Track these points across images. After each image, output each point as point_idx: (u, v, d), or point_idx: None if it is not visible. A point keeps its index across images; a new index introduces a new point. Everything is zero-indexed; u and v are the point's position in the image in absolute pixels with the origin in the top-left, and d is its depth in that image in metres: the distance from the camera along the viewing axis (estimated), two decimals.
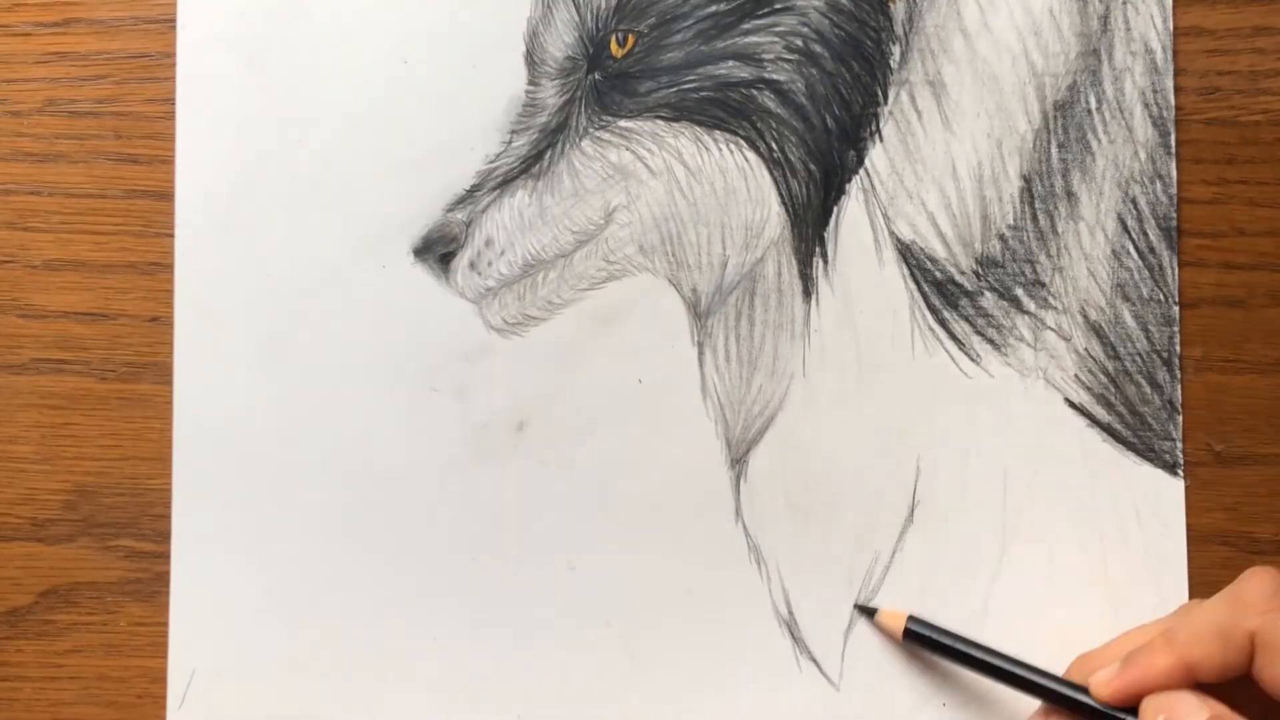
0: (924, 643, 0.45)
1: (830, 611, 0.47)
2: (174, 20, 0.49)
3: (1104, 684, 0.42)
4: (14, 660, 0.49)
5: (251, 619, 0.48)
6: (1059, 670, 0.44)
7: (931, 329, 0.48)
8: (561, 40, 0.48)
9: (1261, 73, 0.48)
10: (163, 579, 0.48)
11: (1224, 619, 0.40)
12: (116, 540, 0.49)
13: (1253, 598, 0.40)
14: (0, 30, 0.49)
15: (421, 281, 0.48)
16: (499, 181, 0.48)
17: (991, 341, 0.48)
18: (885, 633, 0.46)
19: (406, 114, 0.48)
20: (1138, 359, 0.48)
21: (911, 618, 0.45)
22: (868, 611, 0.47)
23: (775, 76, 0.48)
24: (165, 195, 0.49)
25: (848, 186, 0.48)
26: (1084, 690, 0.42)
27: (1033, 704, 0.44)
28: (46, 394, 0.49)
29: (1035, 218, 0.48)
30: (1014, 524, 0.47)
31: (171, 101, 0.49)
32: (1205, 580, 0.47)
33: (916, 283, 0.48)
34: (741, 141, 0.48)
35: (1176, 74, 0.48)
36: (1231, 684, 0.40)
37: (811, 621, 0.47)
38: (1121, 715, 0.41)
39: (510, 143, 0.48)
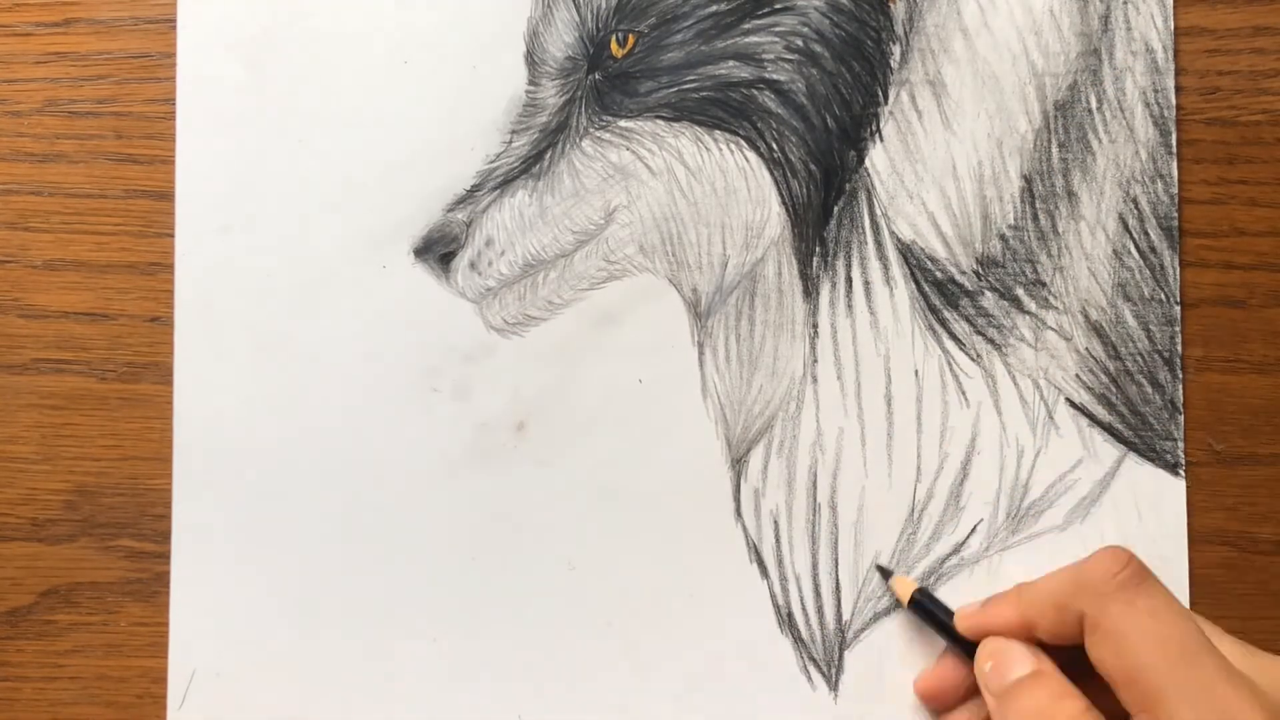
0: (925, 615, 0.46)
1: (830, 611, 0.47)
2: (174, 20, 0.49)
3: (963, 615, 0.45)
4: (14, 660, 0.49)
5: (251, 619, 0.48)
6: None
7: (932, 329, 0.48)
8: (562, 40, 0.48)
9: (1261, 73, 0.48)
10: (163, 579, 0.48)
11: (1062, 593, 0.42)
12: (116, 540, 0.49)
13: (1094, 577, 0.41)
14: (0, 30, 0.49)
15: (421, 281, 0.48)
16: (499, 181, 0.48)
17: (992, 341, 0.48)
18: (896, 596, 0.47)
19: (406, 114, 0.48)
20: (1139, 359, 0.47)
21: (921, 589, 0.46)
22: (885, 573, 0.47)
23: (775, 76, 0.48)
24: (165, 195, 0.49)
25: (848, 186, 0.48)
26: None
27: None
28: (47, 394, 0.49)
29: (1036, 217, 0.48)
30: (1014, 524, 0.47)
31: (171, 101, 0.49)
32: (1205, 580, 0.47)
33: (917, 282, 0.48)
34: (742, 141, 0.48)
35: (1177, 74, 0.48)
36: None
37: (811, 622, 0.47)
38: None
39: (510, 143, 0.48)
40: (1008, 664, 0.42)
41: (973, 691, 0.44)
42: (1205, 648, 0.39)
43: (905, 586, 0.46)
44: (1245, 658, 0.40)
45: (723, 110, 0.48)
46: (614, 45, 0.48)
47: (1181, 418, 0.47)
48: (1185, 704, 0.37)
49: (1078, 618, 0.41)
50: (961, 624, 0.44)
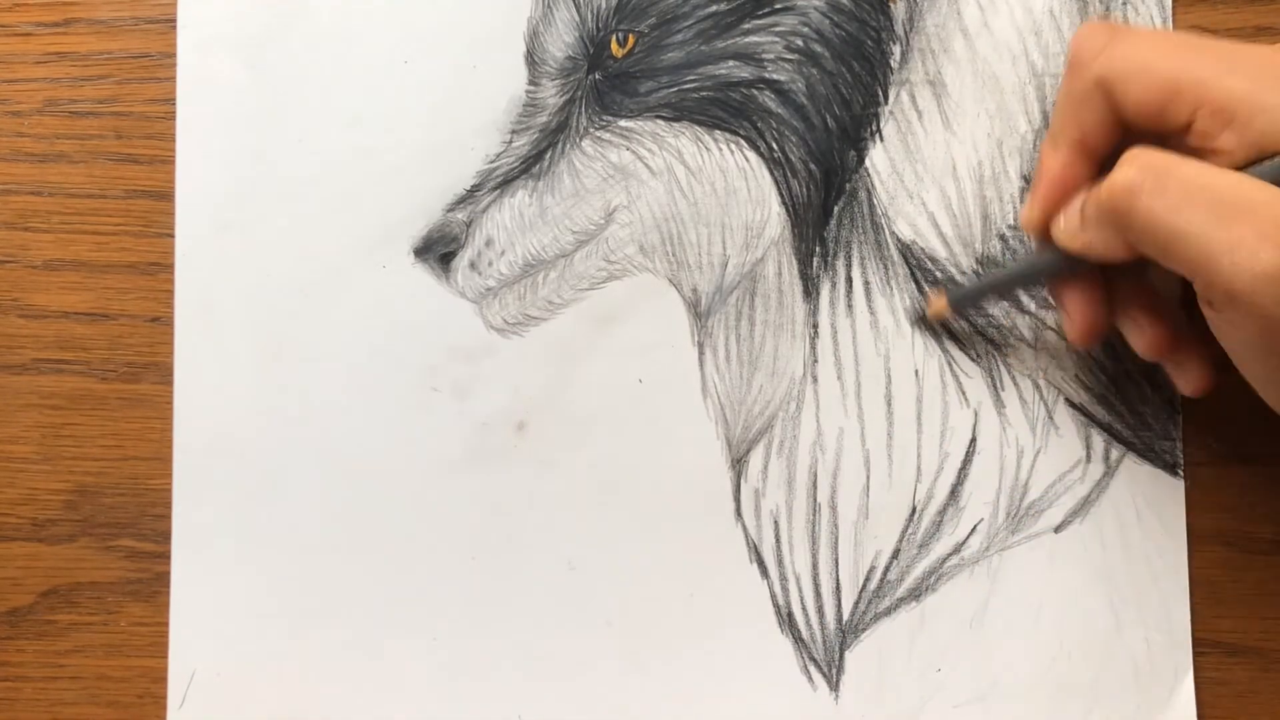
0: (967, 302, 0.46)
1: (830, 611, 0.47)
2: (174, 20, 0.49)
3: (1027, 219, 0.42)
4: (14, 660, 0.49)
5: (251, 619, 0.48)
6: None
7: (932, 329, 0.48)
8: (562, 40, 0.48)
9: None
10: (163, 579, 0.48)
11: (1074, 86, 0.40)
12: (117, 540, 0.49)
13: (1085, 49, 0.40)
14: (0, 30, 0.49)
15: (421, 281, 0.48)
16: (499, 181, 0.48)
17: (992, 341, 0.48)
18: (938, 319, 0.47)
19: (406, 114, 0.48)
20: (1138, 359, 0.47)
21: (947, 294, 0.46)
22: (921, 314, 0.47)
23: (776, 76, 0.48)
24: (165, 195, 0.49)
25: (848, 186, 0.48)
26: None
27: None
28: (47, 394, 0.49)
29: None
30: (1014, 524, 0.47)
31: (171, 101, 0.49)
32: (1205, 580, 0.47)
33: (917, 282, 0.48)
34: (742, 141, 0.48)
35: None
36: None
37: (812, 622, 0.47)
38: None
39: (510, 143, 0.48)
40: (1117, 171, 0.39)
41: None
42: (1210, 38, 0.39)
43: (938, 302, 0.46)
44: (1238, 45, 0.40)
45: (723, 110, 0.48)
46: (614, 45, 0.48)
47: (1180, 418, 0.47)
48: (1230, 74, 0.37)
49: (1098, 93, 0.39)
50: (1029, 223, 0.42)
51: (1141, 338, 0.43)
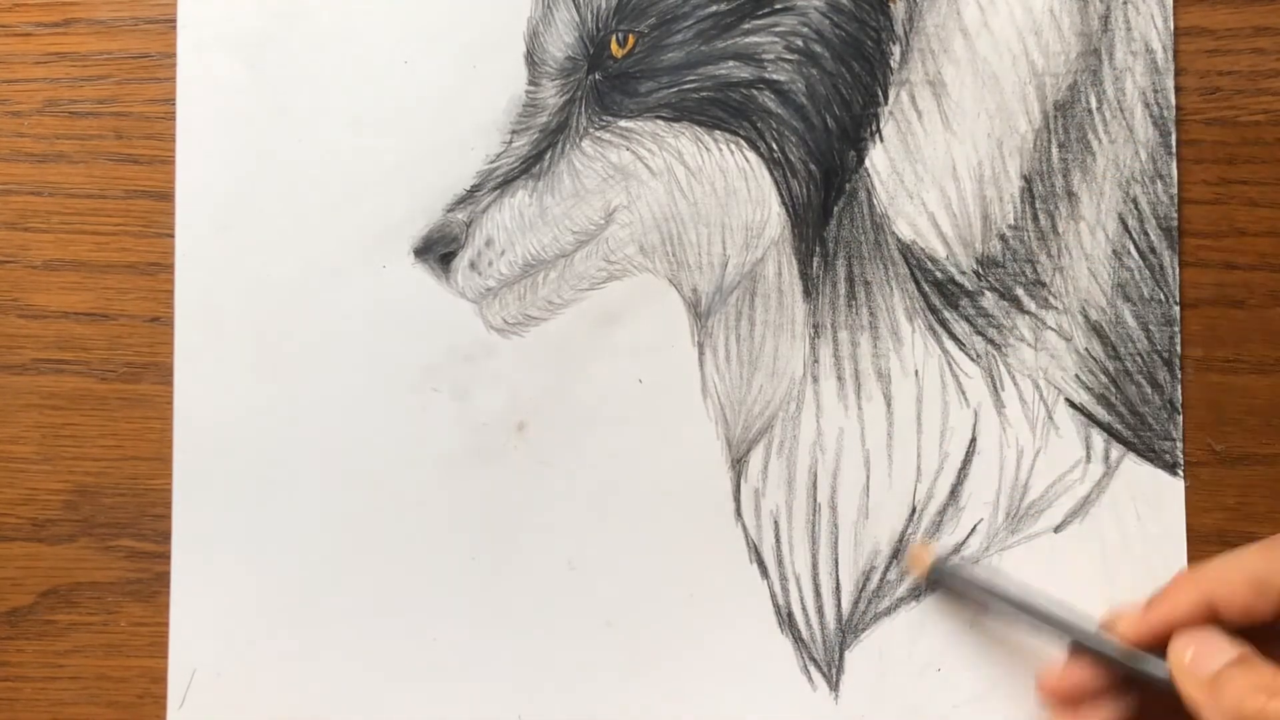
0: (951, 584, 0.45)
1: (830, 611, 0.47)
2: (174, 20, 0.49)
3: (1128, 623, 0.42)
4: (14, 660, 0.49)
5: (251, 619, 0.48)
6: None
7: (932, 329, 0.48)
8: (562, 40, 0.48)
9: (1261, 73, 0.48)
10: (163, 579, 0.48)
11: (1260, 566, 0.40)
12: (117, 540, 0.49)
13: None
14: (0, 30, 0.49)
15: (421, 281, 0.48)
16: (499, 181, 0.48)
17: (992, 341, 0.48)
18: (913, 572, 0.46)
19: (406, 114, 0.48)
20: (1138, 359, 0.47)
21: (937, 559, 0.46)
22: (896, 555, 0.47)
23: (775, 76, 0.48)
24: (165, 195, 0.49)
25: (848, 186, 0.48)
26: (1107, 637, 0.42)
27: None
28: (47, 394, 0.49)
29: (1036, 218, 0.48)
30: (1014, 524, 0.47)
31: (171, 101, 0.49)
32: None
33: (917, 283, 0.48)
34: (742, 142, 0.48)
35: (1177, 74, 0.48)
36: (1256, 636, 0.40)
37: (812, 622, 0.47)
38: (1145, 655, 0.41)
39: (510, 143, 0.48)
40: (1210, 652, 0.39)
41: (1101, 693, 0.42)
42: None
43: (923, 554, 0.45)
44: None
45: (723, 110, 0.48)
46: (614, 45, 0.48)
47: (1181, 418, 0.47)
48: None
49: (1278, 591, 0.39)
50: (1130, 630, 0.42)
51: None
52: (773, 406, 0.48)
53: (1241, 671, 0.38)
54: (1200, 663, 0.39)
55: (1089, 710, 0.42)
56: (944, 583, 0.46)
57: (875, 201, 0.48)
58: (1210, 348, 0.48)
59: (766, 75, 0.48)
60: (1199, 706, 0.39)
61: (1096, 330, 0.48)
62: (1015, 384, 0.48)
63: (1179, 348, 0.47)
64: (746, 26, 0.48)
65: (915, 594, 0.47)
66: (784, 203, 0.48)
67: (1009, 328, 0.48)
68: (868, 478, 0.48)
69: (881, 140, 0.48)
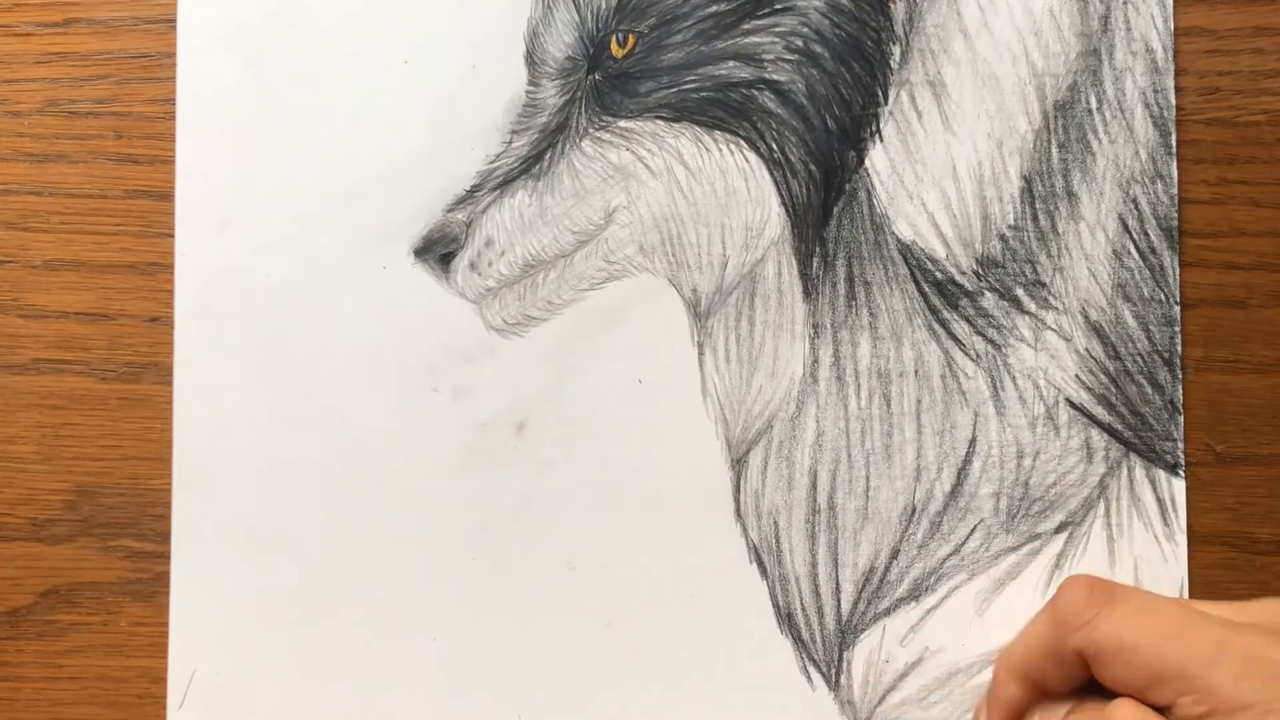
0: None
1: (830, 611, 0.47)
2: (174, 20, 0.49)
3: None
4: (14, 660, 0.49)
5: (251, 619, 0.48)
6: None
7: (932, 329, 0.48)
8: (562, 40, 0.48)
9: (1261, 73, 0.48)
10: (163, 579, 0.48)
11: (1049, 640, 0.41)
12: (116, 540, 0.49)
13: (1068, 614, 0.41)
14: (0, 30, 0.49)
15: (421, 281, 0.48)
16: (499, 182, 0.48)
17: (992, 341, 0.48)
18: None
19: (406, 114, 0.48)
20: (1138, 359, 0.48)
21: None
22: None
23: (775, 77, 0.48)
24: (165, 195, 0.49)
25: (848, 187, 0.48)
26: None
27: None
28: (47, 394, 0.49)
29: (1036, 218, 0.48)
30: (1014, 524, 0.47)
31: (171, 101, 0.49)
32: (1205, 580, 0.47)
33: (917, 283, 0.48)
34: (742, 142, 0.48)
35: (1177, 74, 0.48)
36: None
37: (811, 622, 0.47)
38: None
39: (510, 143, 0.48)
40: None
41: None
42: (1201, 615, 0.39)
43: None
44: (1238, 610, 0.41)
45: (723, 110, 0.48)
46: (614, 45, 0.48)
47: (1181, 418, 0.47)
48: (1215, 667, 0.37)
49: (1075, 657, 0.41)
50: None
51: None
52: (772, 407, 0.48)
53: None
54: None
55: None
56: None
57: (875, 202, 0.48)
58: (1210, 348, 0.48)
59: (766, 75, 0.48)
60: None
61: (1096, 330, 0.48)
62: (1015, 384, 0.48)
63: (1179, 348, 0.47)
64: (746, 27, 0.48)
65: (915, 594, 0.47)
66: (784, 203, 0.48)
67: (1009, 328, 0.48)
68: (868, 478, 0.48)
69: (881, 140, 0.48)
